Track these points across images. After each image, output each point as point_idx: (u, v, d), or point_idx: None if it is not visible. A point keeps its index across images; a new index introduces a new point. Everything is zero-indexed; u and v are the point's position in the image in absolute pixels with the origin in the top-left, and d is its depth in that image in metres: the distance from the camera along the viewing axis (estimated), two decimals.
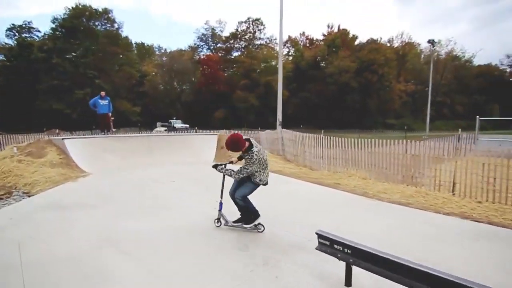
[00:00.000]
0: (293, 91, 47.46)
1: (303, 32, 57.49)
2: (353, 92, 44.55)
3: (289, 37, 56.74)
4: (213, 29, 53.35)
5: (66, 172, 7.32)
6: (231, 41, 53.07)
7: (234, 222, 3.80)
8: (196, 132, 17.89)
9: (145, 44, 54.82)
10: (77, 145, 8.68)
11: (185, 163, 9.50)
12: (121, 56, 41.18)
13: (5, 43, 40.47)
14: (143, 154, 9.63)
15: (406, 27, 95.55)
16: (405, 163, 7.01)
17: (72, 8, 36.80)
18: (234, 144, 3.47)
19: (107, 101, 10.13)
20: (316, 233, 2.70)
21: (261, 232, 3.71)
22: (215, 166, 3.72)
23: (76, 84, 34.36)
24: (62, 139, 8.59)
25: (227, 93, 46.88)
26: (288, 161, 10.78)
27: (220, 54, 53.31)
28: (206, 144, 10.90)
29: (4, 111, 34.65)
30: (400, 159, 7.06)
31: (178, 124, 32.47)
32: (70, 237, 3.56)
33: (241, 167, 3.52)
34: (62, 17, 36.68)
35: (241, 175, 3.50)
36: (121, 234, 3.66)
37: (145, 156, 9.55)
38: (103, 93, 10.11)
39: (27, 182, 6.42)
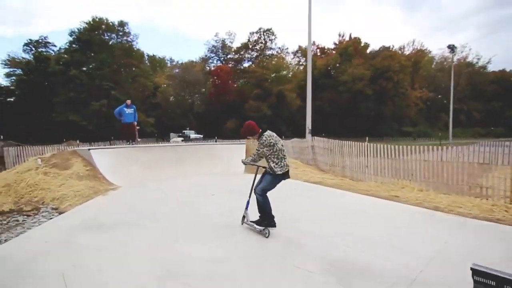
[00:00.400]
0: (306, 100, 46.85)
1: (313, 42, 57.33)
2: (368, 100, 43.71)
3: (299, 47, 56.89)
4: (223, 40, 53.75)
5: (94, 185, 6.77)
6: (242, 52, 53.24)
7: (251, 221, 3.93)
8: (216, 141, 17.32)
9: (157, 57, 55.47)
10: (103, 156, 8.16)
11: (214, 174, 8.92)
12: (134, 68, 41.50)
13: (22, 58, 41.37)
14: (170, 164, 9.05)
15: (413, 35, 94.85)
16: (471, 172, 6.24)
17: (89, 21, 37.52)
18: (248, 129, 3.82)
19: (132, 109, 9.65)
20: (472, 269, 1.99)
21: (267, 237, 3.65)
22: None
23: (92, 96, 34.54)
24: (89, 149, 8.09)
25: (238, 103, 46.62)
26: (323, 171, 10.05)
27: (230, 65, 53.48)
28: (234, 153, 10.25)
29: (21, 123, 35.09)
30: (466, 168, 6.28)
31: (192, 134, 32.20)
32: (123, 266, 2.91)
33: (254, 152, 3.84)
34: (79, 30, 37.35)
35: (254, 157, 3.80)
36: (181, 261, 3.01)
37: (172, 167, 8.97)
38: (129, 102, 9.63)
39: (55, 197, 5.88)
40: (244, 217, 4.06)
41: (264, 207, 3.77)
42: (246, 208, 4.01)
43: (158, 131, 37.89)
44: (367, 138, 10.08)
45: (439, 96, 56.67)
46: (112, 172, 7.78)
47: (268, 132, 3.77)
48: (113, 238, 3.66)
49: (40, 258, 3.10)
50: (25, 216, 5.03)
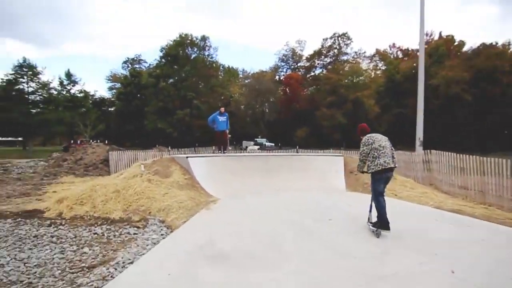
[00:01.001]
0: (385, 107, 42.64)
1: (393, 44, 52.37)
2: (466, 106, 37.12)
3: (377, 50, 52.52)
4: (293, 49, 53.25)
5: (194, 195, 6.42)
6: (314, 59, 51.80)
7: (370, 222, 4.22)
8: (297, 151, 16.34)
9: (230, 67, 58.10)
10: (198, 164, 7.91)
11: (313, 189, 7.81)
12: (212, 80, 44.00)
13: (121, 74, 48.25)
14: (263, 175, 8.35)
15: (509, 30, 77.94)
16: None
17: (176, 38, 41.61)
18: (360, 128, 4.49)
19: (225, 117, 9.38)
20: None
21: (378, 238, 3.90)
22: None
23: (177, 106, 37.86)
24: (187, 157, 7.94)
25: (309, 111, 45.12)
26: (446, 193, 8.05)
27: (300, 73, 52.49)
28: (331, 167, 9.06)
29: (120, 130, 40.62)
30: None
31: (265, 142, 32.11)
32: None
33: None
34: (167, 46, 41.62)
35: (359, 157, 4.24)
36: None
37: (265, 178, 8.24)
38: (222, 109, 9.39)
39: (160, 207, 5.62)
40: (369, 218, 4.31)
41: (378, 209, 3.99)
42: (370, 211, 4.28)
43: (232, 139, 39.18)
44: None
45: None
46: (208, 182, 7.42)
47: (371, 134, 4.23)
48: (244, 278, 2.86)
49: None
50: (135, 228, 4.77)
